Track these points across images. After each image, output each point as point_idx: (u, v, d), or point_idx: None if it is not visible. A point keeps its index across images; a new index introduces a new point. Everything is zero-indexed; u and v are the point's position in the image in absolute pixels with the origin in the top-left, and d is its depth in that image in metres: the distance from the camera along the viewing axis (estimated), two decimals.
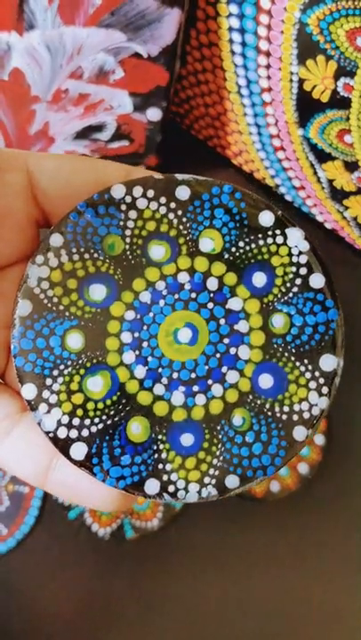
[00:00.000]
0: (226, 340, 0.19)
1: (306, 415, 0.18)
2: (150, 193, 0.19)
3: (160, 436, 0.18)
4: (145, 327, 0.19)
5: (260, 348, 0.19)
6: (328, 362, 0.19)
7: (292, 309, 0.19)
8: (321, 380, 0.19)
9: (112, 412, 0.18)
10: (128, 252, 0.19)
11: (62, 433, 0.18)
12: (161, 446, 0.18)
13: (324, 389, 0.18)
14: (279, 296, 0.19)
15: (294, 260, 0.19)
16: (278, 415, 0.18)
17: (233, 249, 0.19)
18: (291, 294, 0.19)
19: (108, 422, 0.18)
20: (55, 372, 0.18)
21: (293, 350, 0.19)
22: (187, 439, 0.18)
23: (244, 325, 0.19)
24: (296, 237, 0.19)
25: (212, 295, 0.19)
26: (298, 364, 0.19)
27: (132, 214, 0.19)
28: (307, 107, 0.29)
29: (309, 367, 0.19)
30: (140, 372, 0.18)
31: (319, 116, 0.29)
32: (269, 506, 0.35)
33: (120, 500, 0.19)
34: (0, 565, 0.34)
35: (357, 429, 0.36)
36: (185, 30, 0.31)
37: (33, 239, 0.20)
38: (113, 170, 0.19)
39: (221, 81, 0.33)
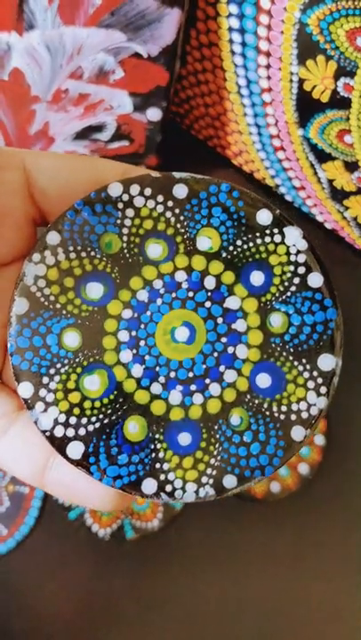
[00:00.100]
0: (223, 339, 0.19)
1: (304, 415, 0.18)
2: (148, 191, 0.19)
3: (157, 436, 0.18)
4: (142, 326, 0.18)
5: (258, 348, 0.19)
6: (327, 361, 0.18)
7: (290, 308, 0.19)
8: (319, 380, 0.18)
9: (109, 411, 0.18)
10: (125, 251, 0.19)
11: (59, 432, 0.18)
12: (158, 445, 0.18)
13: (323, 389, 0.18)
14: (277, 295, 0.19)
15: (292, 258, 0.19)
16: (276, 415, 0.18)
17: (231, 247, 0.19)
18: (289, 293, 0.19)
19: (105, 421, 0.18)
20: (52, 371, 0.18)
21: (292, 350, 0.18)
22: (184, 438, 0.18)
23: (241, 324, 0.19)
24: (294, 236, 0.19)
25: (209, 294, 0.19)
26: (296, 363, 0.18)
27: (130, 212, 0.19)
28: (307, 107, 0.29)
29: (308, 367, 0.18)
30: (138, 370, 0.18)
31: (319, 117, 0.29)
32: (269, 506, 0.35)
33: (117, 499, 0.19)
34: (0, 566, 0.34)
35: (357, 429, 0.36)
36: (185, 30, 0.31)
37: (30, 237, 0.20)
38: (110, 168, 0.19)
39: (221, 81, 0.33)
